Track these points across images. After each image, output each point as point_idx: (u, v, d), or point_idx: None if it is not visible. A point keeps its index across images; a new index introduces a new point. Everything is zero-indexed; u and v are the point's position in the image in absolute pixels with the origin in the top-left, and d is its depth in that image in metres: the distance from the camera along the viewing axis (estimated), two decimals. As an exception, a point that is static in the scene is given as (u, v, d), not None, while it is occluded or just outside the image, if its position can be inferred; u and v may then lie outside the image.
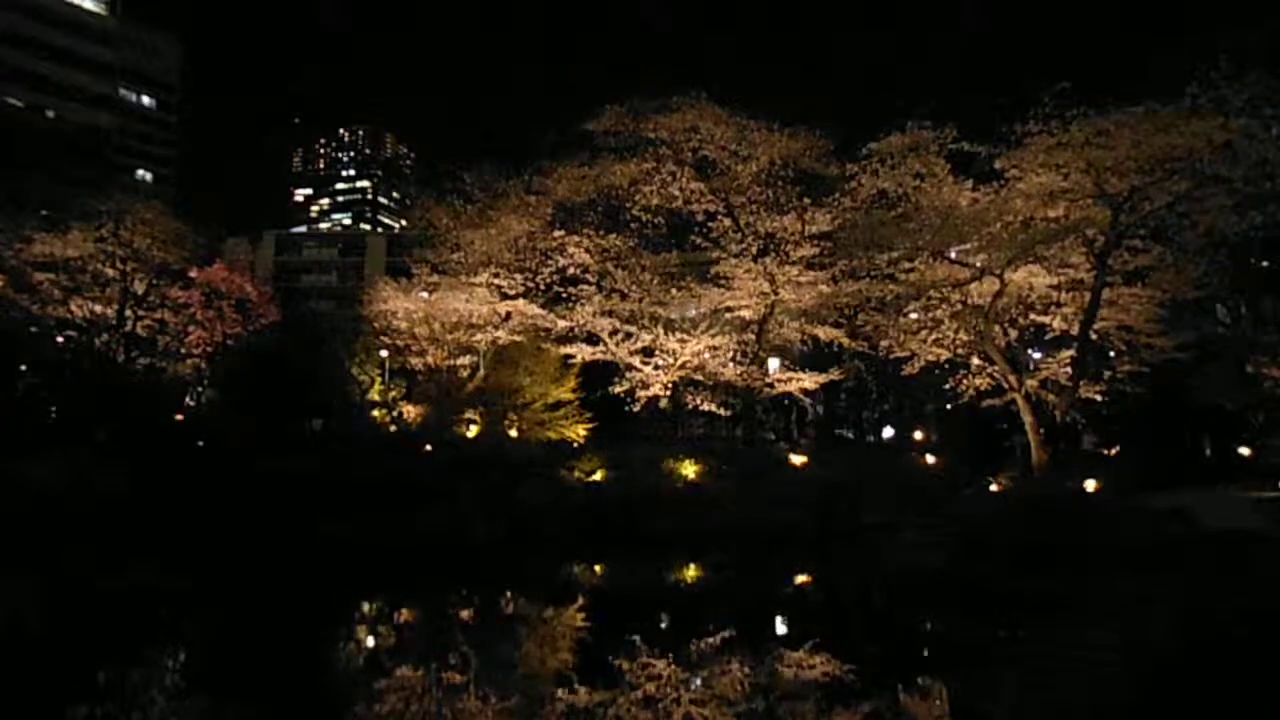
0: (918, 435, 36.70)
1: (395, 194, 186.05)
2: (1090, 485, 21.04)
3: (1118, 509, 18.32)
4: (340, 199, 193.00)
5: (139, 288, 33.95)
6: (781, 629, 15.41)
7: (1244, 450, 27.34)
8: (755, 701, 10.74)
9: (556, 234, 31.97)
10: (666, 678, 11.29)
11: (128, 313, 33.77)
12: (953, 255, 24.63)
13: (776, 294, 29.40)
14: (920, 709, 10.68)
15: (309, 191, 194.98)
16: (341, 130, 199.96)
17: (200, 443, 30.05)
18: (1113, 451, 30.32)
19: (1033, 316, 25.54)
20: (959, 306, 25.16)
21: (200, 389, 38.29)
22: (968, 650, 13.26)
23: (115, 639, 13.79)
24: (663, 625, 15.63)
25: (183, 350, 36.28)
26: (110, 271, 33.13)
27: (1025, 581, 15.21)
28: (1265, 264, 26.92)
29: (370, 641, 14.79)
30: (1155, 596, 11.38)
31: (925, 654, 13.82)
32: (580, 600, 17.58)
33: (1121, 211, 22.05)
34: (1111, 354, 25.44)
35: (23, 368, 30.87)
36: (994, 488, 23.18)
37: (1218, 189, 21.14)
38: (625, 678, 11.33)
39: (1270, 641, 10.19)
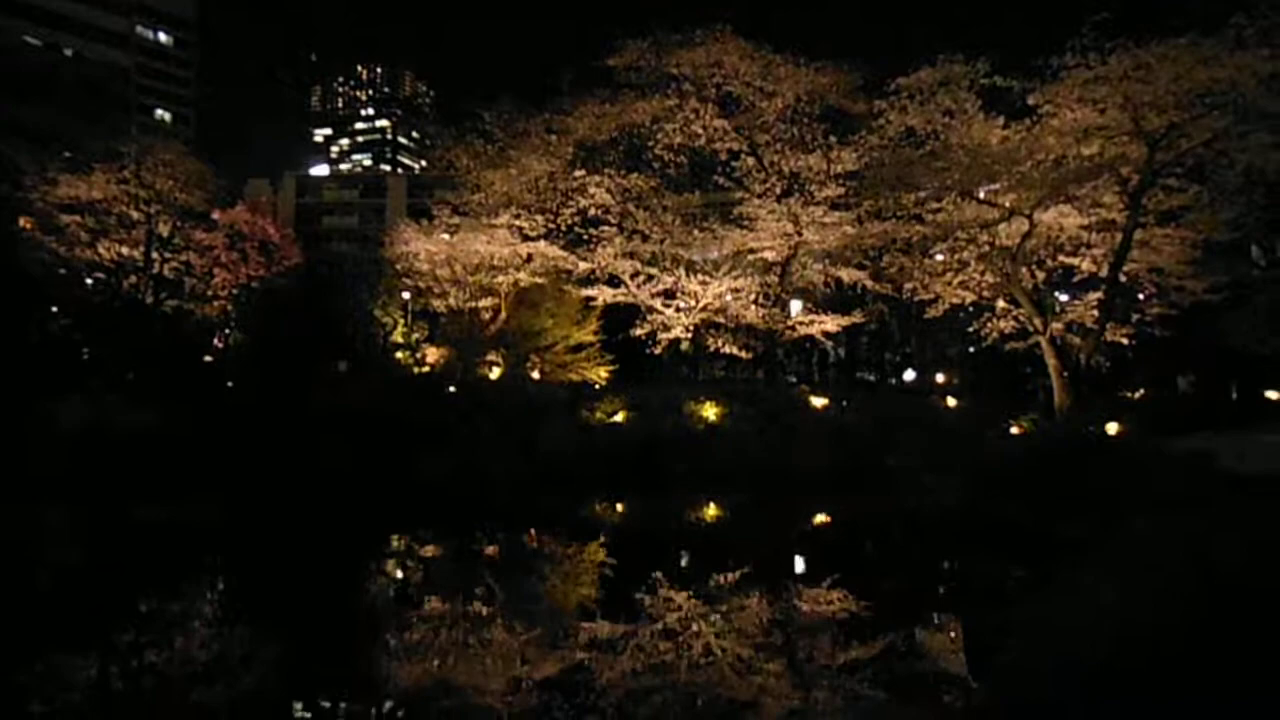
0: (940, 379, 36.55)
1: (415, 134, 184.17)
2: (1113, 428, 20.95)
3: (1140, 452, 18.26)
4: (360, 139, 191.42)
5: (163, 230, 34.20)
6: (800, 567, 15.68)
7: (1272, 394, 26.99)
8: (774, 635, 11.00)
9: (577, 174, 31.62)
10: (686, 612, 11.58)
11: (154, 255, 34.09)
12: (981, 195, 24.13)
13: (800, 235, 29.04)
14: (935, 644, 10.90)
15: (328, 132, 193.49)
16: (359, 68, 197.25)
17: (229, 384, 30.64)
18: (1138, 394, 30.05)
19: (1061, 258, 25.11)
20: (986, 248, 24.76)
21: (227, 331, 38.80)
22: (983, 590, 13.45)
23: (152, 570, 14.34)
24: (683, 563, 15.96)
25: (209, 293, 36.64)
26: (135, 214, 33.35)
27: (1044, 524, 15.32)
28: (1305, 204, 26.11)
29: (398, 575, 15.26)
30: (1173, 539, 11.44)
31: (940, 593, 14.03)
32: (602, 538, 17.95)
33: (1158, 149, 21.41)
34: (1140, 296, 25.02)
35: (54, 309, 31.44)
36: (1015, 431, 23.14)
37: (1260, 125, 20.44)
38: (646, 611, 11.64)
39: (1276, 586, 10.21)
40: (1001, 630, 10.55)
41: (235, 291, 36.50)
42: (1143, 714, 4.95)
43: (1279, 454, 17.08)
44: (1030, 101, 22.33)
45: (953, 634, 11.55)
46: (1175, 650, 6.26)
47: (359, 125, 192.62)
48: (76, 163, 33.48)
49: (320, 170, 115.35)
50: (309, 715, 8.28)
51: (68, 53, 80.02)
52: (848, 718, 8.01)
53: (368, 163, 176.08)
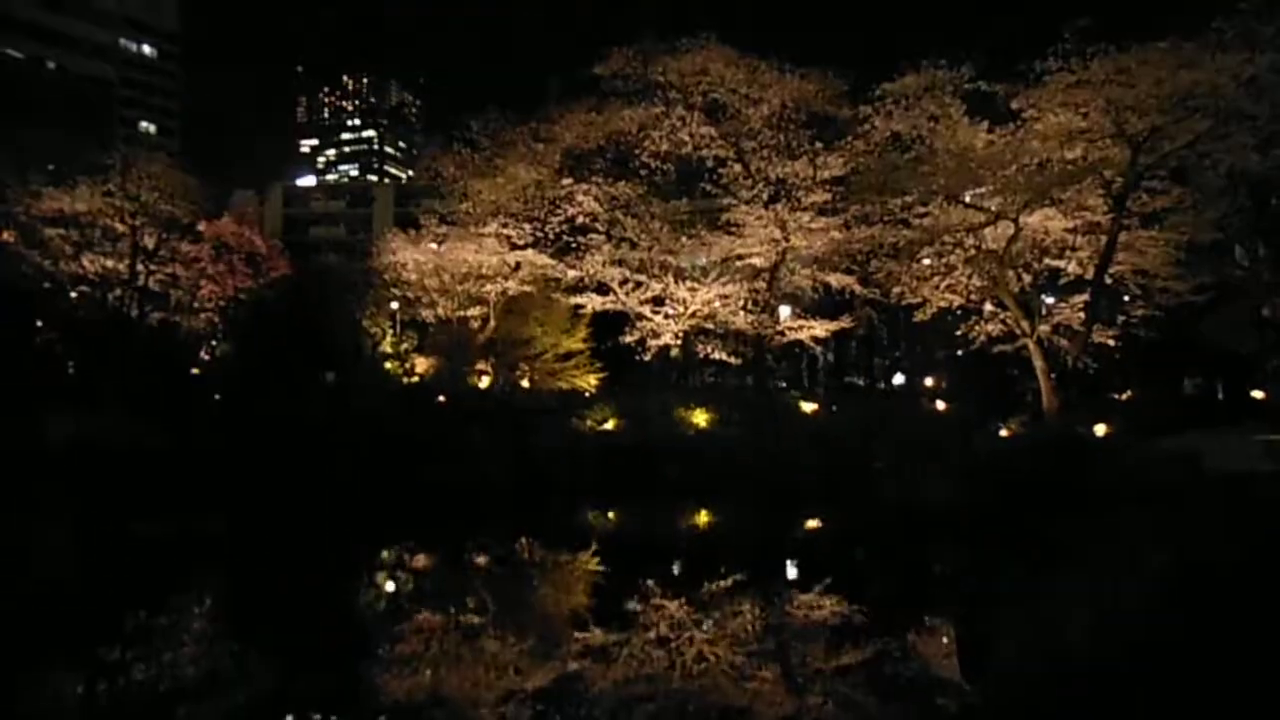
0: (928, 382, 36.68)
1: (401, 143, 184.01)
2: (1100, 429, 21.07)
3: (1126, 452, 18.38)
4: (346, 149, 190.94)
5: (149, 242, 33.94)
6: (792, 572, 15.69)
7: (1256, 394, 27.23)
8: (766, 641, 11.00)
9: (565, 182, 31.62)
10: (679, 619, 11.55)
11: (139, 267, 33.83)
12: (967, 199, 24.28)
13: (788, 241, 29.11)
14: (927, 647, 10.92)
15: (314, 142, 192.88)
16: (345, 78, 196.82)
17: (218, 396, 30.42)
18: (1125, 396, 30.25)
19: (1047, 261, 25.27)
20: (973, 252, 24.89)
21: (215, 343, 38.55)
22: (973, 593, 13.48)
23: (144, 580, 14.19)
24: (675, 570, 15.93)
25: (196, 304, 36.40)
26: (119, 226, 33.11)
27: (1032, 525, 15.38)
28: (1286, 204, 26.40)
29: (390, 586, 15.17)
30: (1157, 538, 11.52)
31: (931, 596, 14.06)
32: (594, 545, 17.90)
33: (1141, 152, 21.63)
34: (1126, 298, 25.22)
35: (39, 324, 31.15)
36: (1004, 433, 23.24)
37: (1240, 127, 20.69)
38: (639, 620, 11.61)
39: (1260, 582, 10.30)
40: (992, 633, 10.58)
41: (222, 303, 36.27)
42: (1130, 714, 4.98)
43: (1260, 453, 17.22)
44: (1014, 106, 22.52)
45: (944, 637, 11.57)
46: (1160, 653, 6.30)
47: (345, 135, 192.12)
48: (60, 175, 33.24)
49: (307, 181, 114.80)
50: (300, 730, 8.21)
51: (51, 65, 79.63)
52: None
53: (354, 173, 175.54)
